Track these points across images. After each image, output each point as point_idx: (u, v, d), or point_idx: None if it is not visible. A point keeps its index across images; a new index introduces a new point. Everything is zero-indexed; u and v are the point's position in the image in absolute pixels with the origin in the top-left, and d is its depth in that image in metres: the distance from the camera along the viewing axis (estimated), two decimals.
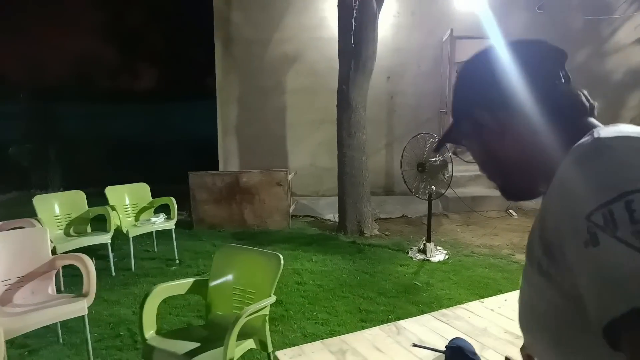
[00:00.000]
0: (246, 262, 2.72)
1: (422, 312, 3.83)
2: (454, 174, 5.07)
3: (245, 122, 7.29)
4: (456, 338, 1.96)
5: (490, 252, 5.43)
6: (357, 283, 4.41)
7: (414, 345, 2.07)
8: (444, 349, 1.95)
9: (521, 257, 5.22)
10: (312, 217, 6.96)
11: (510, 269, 4.87)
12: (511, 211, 7.21)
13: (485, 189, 7.68)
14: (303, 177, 7.17)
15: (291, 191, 6.70)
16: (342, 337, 2.20)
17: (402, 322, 2.34)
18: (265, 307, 2.42)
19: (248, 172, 6.51)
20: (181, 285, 2.64)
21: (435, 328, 2.27)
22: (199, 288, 2.70)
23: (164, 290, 2.51)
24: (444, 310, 2.49)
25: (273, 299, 2.46)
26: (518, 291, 2.37)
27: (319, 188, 7.31)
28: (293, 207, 6.81)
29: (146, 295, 2.41)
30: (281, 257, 2.56)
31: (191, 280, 2.68)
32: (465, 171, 7.66)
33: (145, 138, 10.85)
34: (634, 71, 7.75)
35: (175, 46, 12.76)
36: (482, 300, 2.63)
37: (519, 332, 2.09)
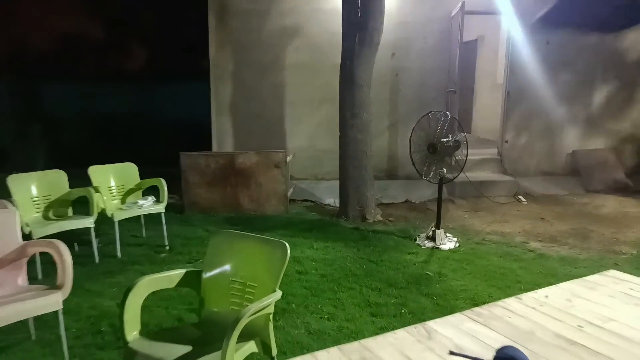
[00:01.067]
0: (246, 250, 2.34)
1: (437, 305, 3.50)
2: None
3: (241, 100, 6.85)
4: (506, 347, 1.61)
5: (502, 239, 5.10)
6: (364, 273, 4.06)
7: (452, 353, 1.73)
8: (490, 359, 1.61)
9: (536, 245, 4.91)
10: (311, 201, 6.58)
11: (525, 258, 4.55)
12: (520, 197, 6.89)
13: (493, 174, 7.36)
14: (301, 159, 6.77)
15: (289, 174, 6.31)
16: (362, 342, 1.85)
17: (431, 324, 1.98)
18: (270, 304, 2.05)
19: (244, 153, 6.10)
20: (170, 277, 2.26)
21: (471, 330, 1.92)
22: (191, 280, 2.33)
23: (149, 283, 2.13)
24: (478, 309, 2.14)
25: (278, 294, 2.10)
26: (556, 286, 1.98)
27: (318, 171, 6.93)
28: (291, 190, 6.44)
29: (128, 290, 2.03)
30: (287, 245, 2.19)
31: (182, 271, 2.30)
32: (471, 155, 7.31)
33: (135, 117, 10.35)
34: None
35: (166, 20, 12.16)
36: (519, 296, 2.28)
37: (573, 337, 1.72)
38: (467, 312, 2.12)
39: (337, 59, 5.64)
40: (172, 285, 2.25)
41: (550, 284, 3.90)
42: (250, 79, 6.81)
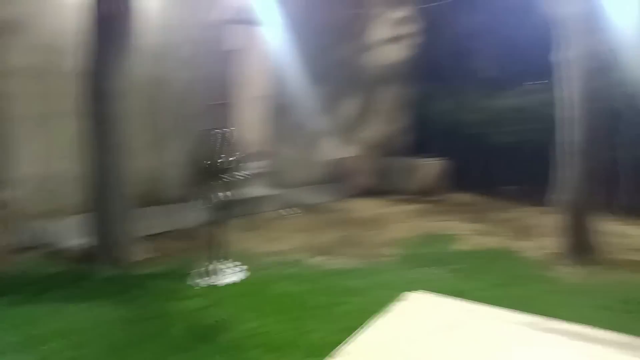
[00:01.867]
0: None
1: None
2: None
3: None
4: None
5: (283, 259, 4.92)
6: (137, 338, 3.15)
7: None
8: None
9: (316, 260, 4.90)
10: (49, 246, 5.06)
11: (311, 277, 4.43)
12: (290, 209, 6.94)
13: (260, 189, 7.20)
14: (32, 191, 5.13)
15: (14, 214, 4.74)
16: None
17: None
18: None
19: None
20: None
21: None
22: None
23: None
24: None
25: None
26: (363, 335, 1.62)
27: (57, 205, 5.39)
28: (17, 236, 4.84)
29: None
30: None
31: None
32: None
33: None
34: (388, 66, 8.60)
35: None
36: None
37: None
38: None
39: (79, 63, 4.48)
40: None
41: (345, 303, 3.76)
42: None
